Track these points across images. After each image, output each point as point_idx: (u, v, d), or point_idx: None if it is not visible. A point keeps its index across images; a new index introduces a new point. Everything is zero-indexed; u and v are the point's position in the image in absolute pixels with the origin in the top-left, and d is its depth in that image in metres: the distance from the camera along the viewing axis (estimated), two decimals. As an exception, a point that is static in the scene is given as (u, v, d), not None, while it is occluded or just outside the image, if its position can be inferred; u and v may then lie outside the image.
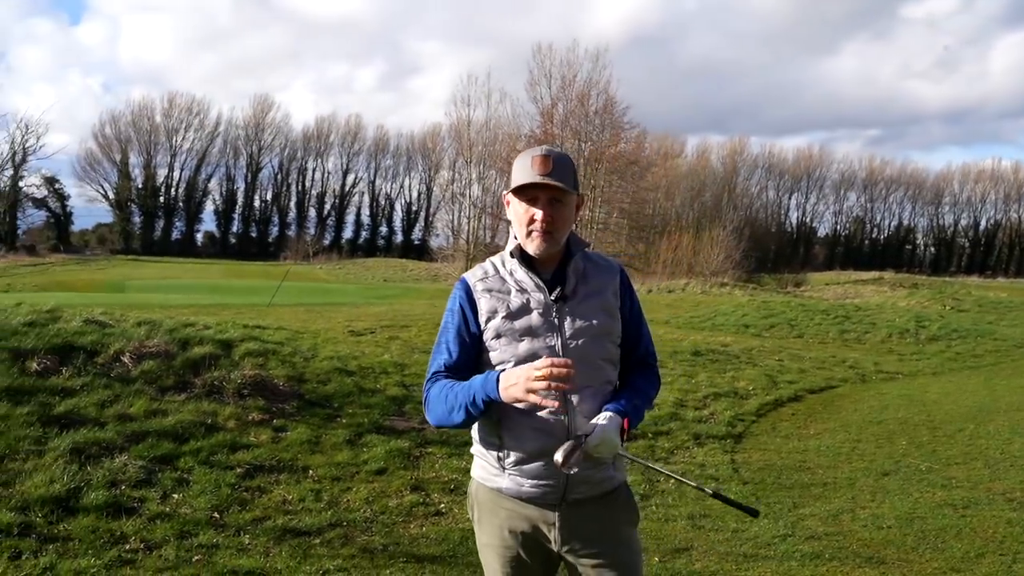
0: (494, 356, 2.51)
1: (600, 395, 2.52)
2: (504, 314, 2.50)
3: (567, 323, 2.51)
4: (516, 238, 2.57)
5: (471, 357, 2.55)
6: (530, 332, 2.49)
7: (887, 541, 5.58)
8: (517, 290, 2.53)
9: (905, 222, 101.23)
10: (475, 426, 2.62)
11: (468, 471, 6.79)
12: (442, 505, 5.99)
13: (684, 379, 11.01)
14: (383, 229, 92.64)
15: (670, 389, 10.14)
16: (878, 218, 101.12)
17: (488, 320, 2.51)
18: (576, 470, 2.36)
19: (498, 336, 2.50)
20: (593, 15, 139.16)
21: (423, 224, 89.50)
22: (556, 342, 2.48)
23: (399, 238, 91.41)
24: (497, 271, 2.60)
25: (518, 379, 2.29)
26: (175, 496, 5.62)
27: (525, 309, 2.51)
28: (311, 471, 6.37)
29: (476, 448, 2.67)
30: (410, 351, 10.77)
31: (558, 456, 2.32)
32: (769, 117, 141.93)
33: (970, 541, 5.60)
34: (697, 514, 6.04)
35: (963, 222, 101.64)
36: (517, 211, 2.53)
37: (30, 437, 5.96)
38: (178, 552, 4.81)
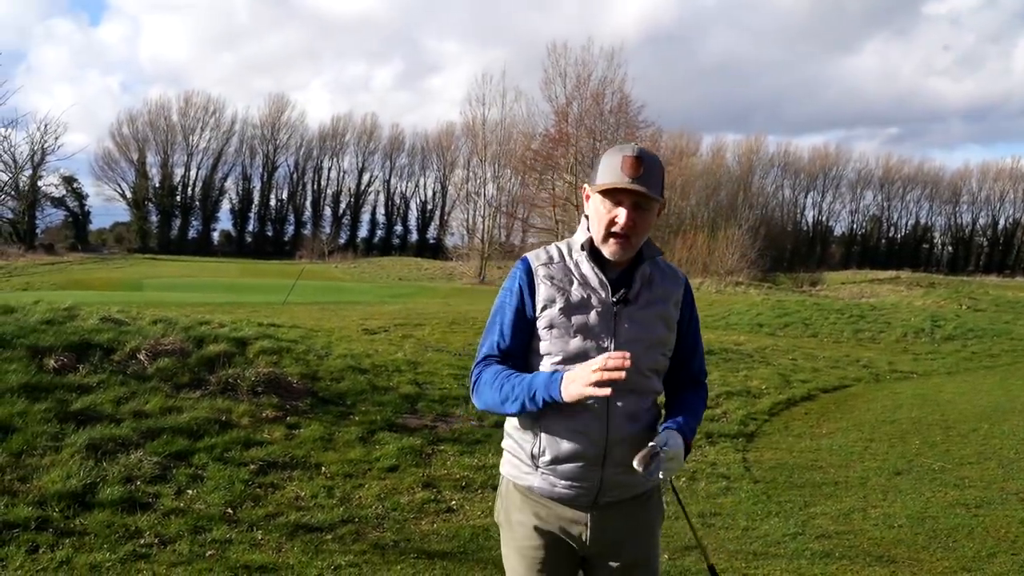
0: (543, 346, 2.45)
1: (642, 403, 2.48)
2: (562, 305, 2.42)
3: (624, 327, 2.43)
4: (588, 231, 2.49)
5: (524, 342, 2.48)
6: (585, 330, 2.41)
7: (898, 540, 5.58)
8: (580, 283, 2.45)
9: (922, 221, 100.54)
10: (510, 421, 2.57)
11: (479, 468, 6.86)
12: (453, 502, 6.03)
13: (697, 378, 10.98)
14: (398, 228, 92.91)
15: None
16: (895, 217, 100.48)
17: (544, 308, 2.44)
18: (661, 475, 2.30)
19: (551, 327, 2.43)
20: (611, 13, 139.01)
21: (438, 223, 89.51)
22: (609, 345, 2.40)
23: (414, 237, 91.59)
24: (563, 259, 2.51)
25: (576, 379, 2.21)
26: (189, 492, 5.67)
27: (585, 305, 2.43)
28: (324, 468, 6.42)
29: (508, 443, 2.60)
30: (423, 349, 10.82)
31: (638, 464, 2.27)
32: (788, 115, 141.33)
33: (982, 540, 5.59)
34: (708, 512, 6.05)
35: (981, 221, 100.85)
36: (598, 209, 2.43)
37: (47, 433, 6.03)
38: (192, 547, 4.87)
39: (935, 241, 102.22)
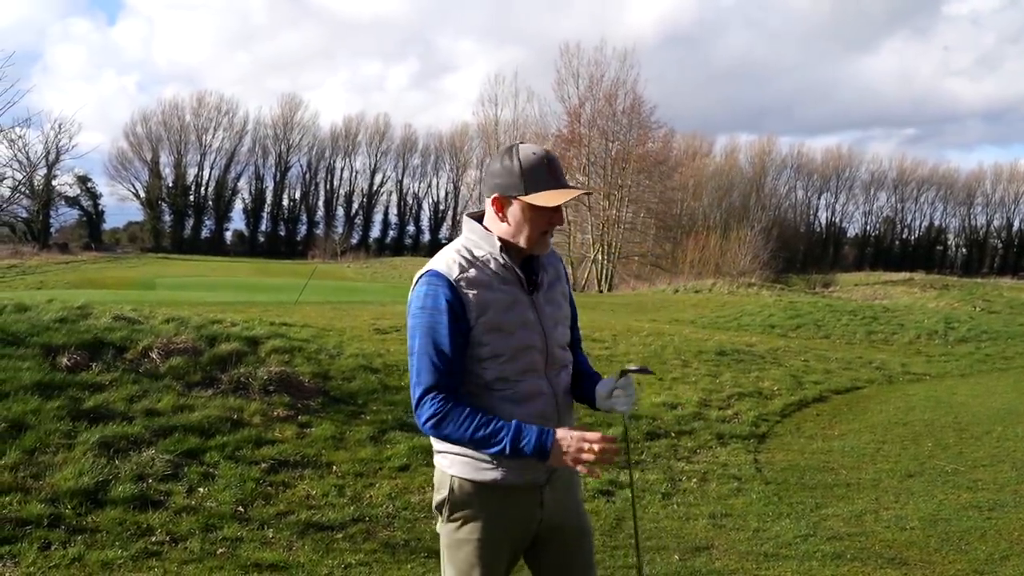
0: (485, 351, 2.49)
1: (568, 375, 2.68)
2: (498, 308, 2.49)
3: (545, 312, 2.60)
4: (490, 231, 2.56)
5: (464, 356, 2.49)
6: (521, 323, 2.52)
7: (910, 542, 5.55)
8: (500, 282, 2.53)
9: (936, 222, 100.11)
10: None
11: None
12: (464, 502, 6.02)
13: (708, 379, 10.98)
14: (410, 228, 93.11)
15: (694, 388, 10.13)
16: (909, 218, 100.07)
17: (479, 316, 2.47)
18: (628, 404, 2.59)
19: (495, 330, 2.48)
20: (628, 13, 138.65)
21: (450, 223, 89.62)
22: (540, 331, 2.56)
23: (426, 237, 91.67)
24: (472, 264, 2.53)
25: (569, 448, 2.33)
26: (201, 490, 5.70)
27: (514, 301, 2.53)
28: (335, 467, 6.43)
29: (461, 448, 2.53)
30: (434, 349, 10.82)
31: (609, 393, 2.60)
32: (804, 116, 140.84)
33: (995, 543, 5.56)
34: (719, 513, 6.04)
35: (996, 223, 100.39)
36: (533, 217, 2.51)
37: (60, 431, 6.06)
38: (203, 545, 4.89)
39: (949, 243, 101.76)
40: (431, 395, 2.44)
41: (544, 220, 2.52)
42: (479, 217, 2.62)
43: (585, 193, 2.83)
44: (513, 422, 2.40)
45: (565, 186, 2.52)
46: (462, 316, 2.46)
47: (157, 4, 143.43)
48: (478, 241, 2.58)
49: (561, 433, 2.37)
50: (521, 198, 2.50)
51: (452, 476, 2.57)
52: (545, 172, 2.50)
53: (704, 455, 7.77)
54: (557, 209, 2.51)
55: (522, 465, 2.49)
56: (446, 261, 2.53)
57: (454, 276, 2.49)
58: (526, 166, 2.50)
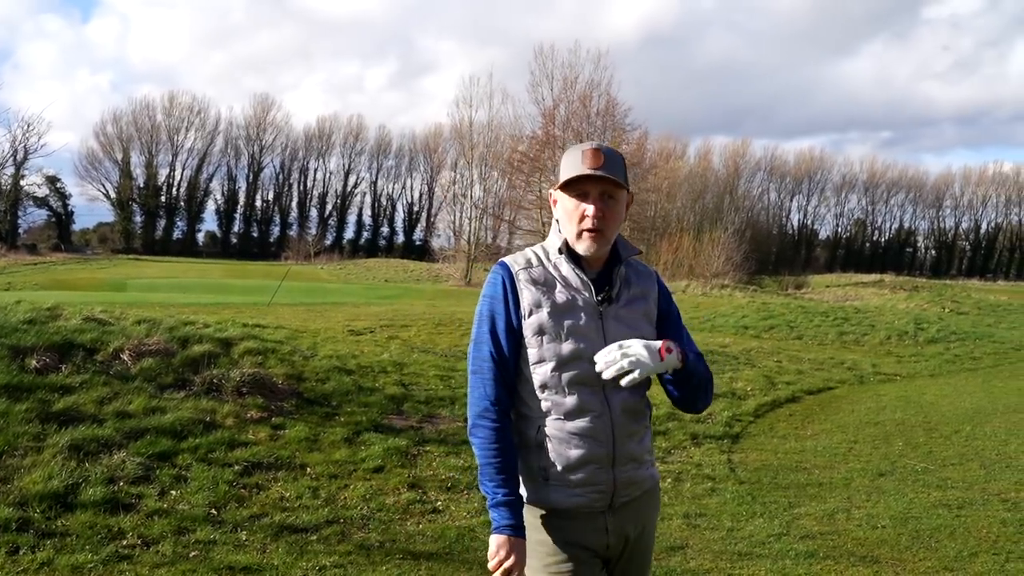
0: (532, 354, 2.39)
1: (637, 397, 2.46)
2: (549, 309, 2.38)
3: (611, 326, 2.42)
4: (560, 233, 2.48)
5: (516, 350, 2.42)
6: (575, 332, 2.37)
7: (881, 540, 5.61)
8: (563, 286, 2.42)
9: (906, 225, 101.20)
10: None
11: (465, 469, 6.85)
12: (439, 503, 6.01)
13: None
14: (384, 229, 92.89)
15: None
16: (879, 220, 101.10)
17: (531, 313, 2.39)
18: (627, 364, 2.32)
19: (540, 333, 2.38)
20: (609, 14, 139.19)
21: (425, 225, 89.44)
22: (600, 344, 2.37)
23: (400, 238, 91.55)
24: (542, 263, 2.47)
25: (493, 558, 2.31)
26: (173, 493, 5.64)
27: (571, 307, 2.40)
28: (309, 469, 6.39)
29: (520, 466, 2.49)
30: (409, 350, 10.80)
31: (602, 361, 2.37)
32: (782, 118, 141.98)
33: (964, 541, 5.62)
34: (693, 513, 6.06)
35: (964, 225, 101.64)
36: (566, 207, 2.43)
37: (29, 433, 5.99)
38: (175, 548, 4.84)
39: (918, 245, 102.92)
40: (478, 401, 2.42)
41: (576, 210, 2.41)
42: None
43: (604, 182, 2.40)
44: (500, 492, 2.34)
45: (593, 169, 2.37)
46: (514, 309, 2.41)
47: (133, 1, 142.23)
48: (553, 241, 2.51)
49: (499, 540, 2.31)
50: (554, 190, 2.48)
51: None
52: (580, 159, 2.38)
53: (678, 455, 7.80)
54: (584, 196, 2.39)
55: (570, 485, 2.40)
56: (518, 254, 2.51)
57: (517, 268, 2.45)
58: (567, 156, 2.44)
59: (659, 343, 2.37)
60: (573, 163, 2.40)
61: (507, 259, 2.50)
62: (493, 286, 2.45)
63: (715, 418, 9.22)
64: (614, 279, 2.48)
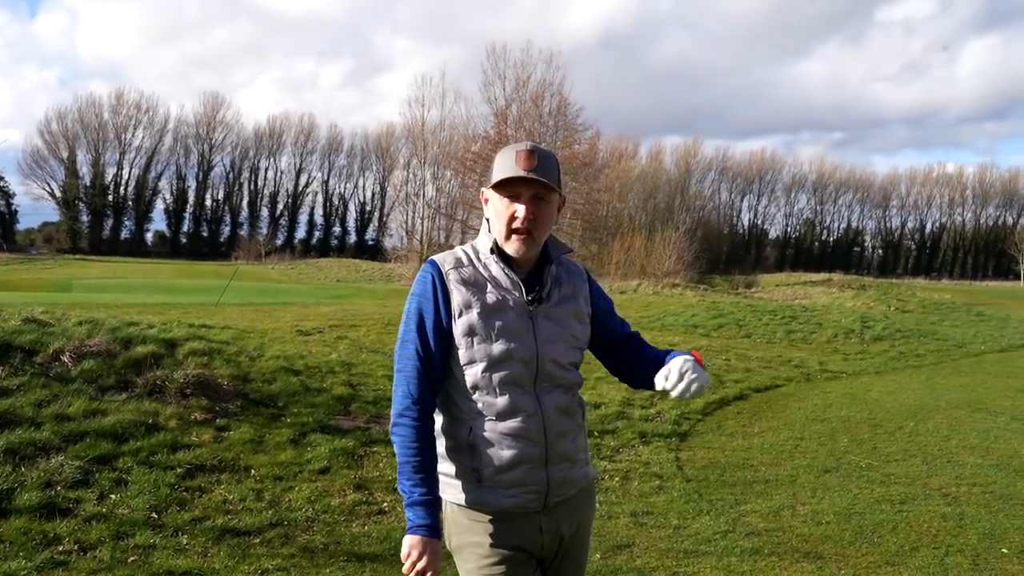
0: (463, 355, 2.38)
1: (568, 396, 2.48)
2: (479, 310, 2.37)
3: (542, 326, 2.42)
4: (490, 233, 2.47)
5: (445, 350, 2.40)
6: (506, 332, 2.37)
7: (825, 536, 5.67)
8: (493, 286, 2.41)
9: (854, 225, 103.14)
10: (440, 442, 2.48)
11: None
12: (385, 504, 5.96)
13: (632, 378, 11.05)
14: (336, 229, 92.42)
15: (618, 388, 10.19)
16: (828, 220, 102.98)
17: (461, 314, 2.37)
18: (695, 387, 2.38)
19: (470, 333, 2.36)
20: (567, 14, 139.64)
21: (377, 224, 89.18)
22: (531, 344, 2.39)
23: (352, 238, 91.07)
24: (472, 262, 2.45)
25: (406, 559, 2.27)
26: (112, 497, 5.52)
27: (502, 307, 2.39)
28: (253, 471, 6.30)
29: (442, 467, 2.47)
30: (358, 351, 10.72)
31: (666, 382, 2.42)
32: (736, 119, 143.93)
33: (905, 535, 5.71)
34: (640, 511, 6.08)
35: (910, 225, 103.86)
36: (497, 208, 2.42)
37: (-38, 438, 5.82)
38: (113, 553, 4.73)
39: (866, 244, 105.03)
40: (400, 400, 2.40)
41: (507, 211, 2.39)
42: None
43: (536, 184, 2.39)
44: (416, 491, 2.32)
45: (526, 171, 2.36)
46: (444, 309, 2.39)
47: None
48: (483, 241, 2.50)
49: (412, 540, 2.29)
50: (485, 188, 2.47)
51: (445, 500, 2.47)
52: (514, 160, 2.37)
53: (627, 454, 7.82)
54: (516, 197, 2.38)
55: (503, 485, 2.39)
56: (447, 253, 2.49)
57: (447, 267, 2.43)
58: (501, 156, 2.43)
59: (693, 356, 2.45)
60: (506, 164, 2.39)
61: (437, 257, 2.48)
62: (423, 284, 2.43)
63: (663, 416, 9.27)
64: (544, 278, 2.48)
